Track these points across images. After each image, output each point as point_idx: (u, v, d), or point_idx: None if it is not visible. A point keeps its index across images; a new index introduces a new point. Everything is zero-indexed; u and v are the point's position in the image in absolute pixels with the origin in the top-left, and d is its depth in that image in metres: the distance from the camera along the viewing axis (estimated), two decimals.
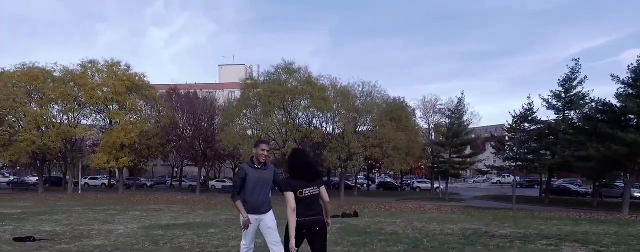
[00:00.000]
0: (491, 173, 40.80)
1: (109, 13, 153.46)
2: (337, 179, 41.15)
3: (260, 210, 3.81)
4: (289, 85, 30.92)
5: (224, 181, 43.60)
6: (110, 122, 33.77)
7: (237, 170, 3.60)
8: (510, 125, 31.80)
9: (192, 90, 42.96)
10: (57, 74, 32.69)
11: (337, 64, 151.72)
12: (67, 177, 35.47)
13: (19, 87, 31.03)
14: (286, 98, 30.59)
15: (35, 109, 31.39)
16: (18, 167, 53.25)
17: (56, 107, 32.75)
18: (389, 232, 8.72)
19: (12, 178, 47.65)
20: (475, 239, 7.80)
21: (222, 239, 7.41)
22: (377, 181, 53.15)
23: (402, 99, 37.27)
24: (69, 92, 31.23)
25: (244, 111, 31.70)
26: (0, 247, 6.68)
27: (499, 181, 56.64)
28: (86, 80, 31.71)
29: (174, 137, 35.71)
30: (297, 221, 3.37)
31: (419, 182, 47.91)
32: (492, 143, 34.12)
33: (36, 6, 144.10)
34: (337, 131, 32.81)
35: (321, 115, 32.79)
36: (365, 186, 48.96)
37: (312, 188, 3.49)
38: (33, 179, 41.43)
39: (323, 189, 3.58)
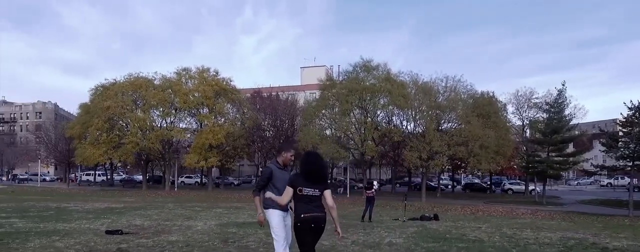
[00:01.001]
0: (600, 174, 35.71)
1: (204, 26, 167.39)
2: (418, 179, 39.54)
3: (286, 208, 3.99)
4: (367, 83, 30.41)
5: None
6: (201, 124, 36.45)
7: (264, 169, 3.73)
8: (625, 118, 27.36)
9: (274, 93, 44.62)
10: (157, 82, 36.26)
11: (421, 60, 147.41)
12: (166, 175, 39.07)
13: (126, 95, 35.05)
14: (364, 96, 30.12)
15: (139, 114, 35.10)
16: (128, 167, 60.38)
17: (156, 112, 36.31)
18: (472, 239, 7.83)
19: (123, 176, 54.16)
20: (579, 251, 6.60)
21: None
22: (463, 182, 50.06)
23: (491, 94, 34.54)
24: (166, 98, 34.39)
25: (323, 111, 31.91)
26: (91, 238, 7.29)
27: (610, 183, 49.78)
28: (180, 87, 34.65)
29: (257, 137, 37.28)
30: (303, 217, 3.50)
31: (510, 183, 43.94)
32: (601, 140, 29.74)
33: (144, 23, 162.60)
34: (418, 129, 31.47)
35: (401, 113, 31.76)
36: (449, 187, 46.36)
37: (312, 189, 3.59)
38: (140, 177, 46.40)
39: (327, 193, 3.63)
